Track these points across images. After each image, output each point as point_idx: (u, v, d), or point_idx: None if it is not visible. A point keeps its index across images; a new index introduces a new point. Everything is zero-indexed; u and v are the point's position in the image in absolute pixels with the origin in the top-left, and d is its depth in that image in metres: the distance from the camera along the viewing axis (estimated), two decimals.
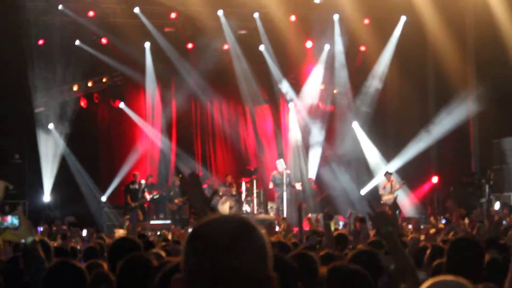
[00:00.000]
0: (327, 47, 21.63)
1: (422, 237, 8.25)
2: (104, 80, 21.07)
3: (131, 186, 19.35)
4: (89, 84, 20.74)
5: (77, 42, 20.05)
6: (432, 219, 16.74)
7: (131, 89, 21.64)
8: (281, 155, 21.00)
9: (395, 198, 16.79)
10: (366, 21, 21.05)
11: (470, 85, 20.52)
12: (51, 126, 19.86)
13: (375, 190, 20.87)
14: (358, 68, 22.04)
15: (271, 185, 19.11)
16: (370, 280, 3.34)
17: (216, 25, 20.58)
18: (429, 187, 21.24)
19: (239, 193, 19.75)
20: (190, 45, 21.17)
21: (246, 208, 19.55)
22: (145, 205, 19.53)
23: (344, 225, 14.58)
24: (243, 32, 21.43)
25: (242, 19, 21.03)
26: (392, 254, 3.50)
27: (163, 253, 5.18)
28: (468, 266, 3.84)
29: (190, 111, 21.95)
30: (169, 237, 11.48)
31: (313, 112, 21.99)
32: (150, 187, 19.86)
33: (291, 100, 22.05)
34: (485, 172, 19.57)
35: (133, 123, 21.32)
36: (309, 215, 16.94)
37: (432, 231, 8.50)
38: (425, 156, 21.15)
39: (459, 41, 20.09)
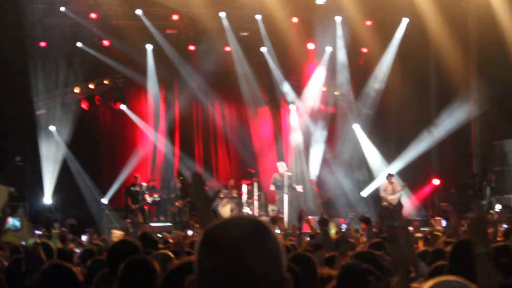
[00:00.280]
0: (328, 49, 21.64)
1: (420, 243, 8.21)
2: (105, 82, 21.05)
3: (132, 189, 19.35)
4: (91, 86, 20.72)
5: (79, 44, 20.07)
6: (432, 221, 16.72)
7: (133, 91, 21.64)
8: (282, 157, 20.98)
9: (399, 198, 16.82)
10: (368, 22, 21.06)
11: (472, 87, 20.52)
12: (52, 128, 19.87)
13: (376, 192, 20.86)
14: (360, 70, 22.03)
15: (272, 188, 19.07)
16: (381, 280, 3.35)
17: (218, 27, 20.60)
18: (430, 189, 21.23)
19: (239, 195, 19.74)
20: (192, 47, 21.19)
21: (246, 210, 19.53)
22: (146, 208, 19.53)
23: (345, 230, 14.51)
24: (245, 34, 21.44)
25: (244, 21, 21.05)
26: (391, 244, 3.59)
27: (171, 254, 5.17)
28: (471, 268, 3.82)
29: (192, 113, 21.95)
30: (170, 240, 11.44)
31: (315, 114, 21.98)
32: (151, 189, 19.86)
33: (293, 102, 22.04)
34: (486, 174, 19.57)
35: (134, 125, 21.32)
36: (310, 217, 16.90)
37: (437, 233, 8.48)
38: (426, 158, 21.15)
39: (461, 43, 20.09)
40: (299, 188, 19.20)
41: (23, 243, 4.22)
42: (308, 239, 8.10)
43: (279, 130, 22.40)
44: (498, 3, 19.35)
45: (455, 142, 21.03)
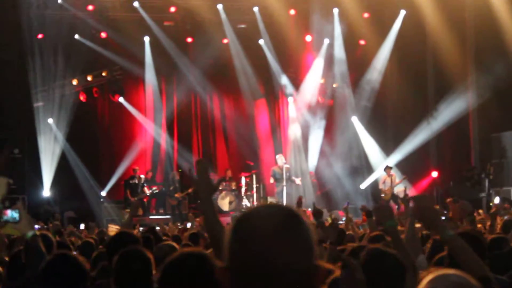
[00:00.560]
0: (326, 41, 21.60)
1: None
2: (103, 74, 21.03)
3: (130, 181, 19.37)
4: (89, 78, 20.70)
5: (77, 36, 20.03)
6: None
7: (131, 84, 21.61)
8: (280, 150, 21.00)
9: (405, 190, 16.79)
10: (366, 15, 21.04)
11: (470, 79, 20.50)
12: (50, 120, 19.85)
13: (374, 184, 20.89)
14: (358, 62, 22.01)
15: (271, 180, 19.08)
16: (405, 267, 3.33)
17: (215, 19, 20.56)
18: (428, 182, 21.24)
19: (238, 187, 19.77)
20: (189, 39, 21.17)
21: (245, 203, 19.56)
22: (145, 200, 19.54)
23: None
24: (242, 26, 21.41)
25: (242, 13, 21.01)
26: (395, 248, 3.55)
27: (176, 245, 5.18)
28: None
29: (190, 105, 21.93)
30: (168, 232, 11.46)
31: (313, 106, 21.97)
32: (150, 182, 19.87)
33: (291, 94, 22.03)
34: (484, 166, 19.58)
35: (132, 117, 21.31)
36: (308, 209, 16.92)
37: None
38: (424, 151, 21.16)
39: (458, 35, 20.07)
40: (298, 181, 19.23)
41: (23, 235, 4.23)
42: None
43: (277, 123, 22.40)
44: None
45: (453, 134, 21.03)
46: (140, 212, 19.04)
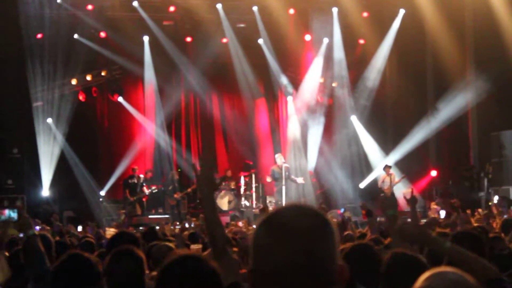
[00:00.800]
0: (326, 40, 21.60)
1: None
2: (102, 73, 21.03)
3: (129, 181, 19.34)
4: (88, 77, 20.68)
5: (76, 36, 20.00)
6: (430, 212, 16.74)
7: (130, 83, 21.61)
8: (279, 149, 20.99)
9: (412, 191, 16.76)
10: (365, 14, 21.03)
11: (469, 77, 20.49)
12: (49, 120, 19.82)
13: (374, 183, 20.87)
14: (357, 61, 22.01)
15: (268, 179, 19.02)
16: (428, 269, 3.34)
17: (215, 18, 20.55)
18: (428, 181, 21.24)
19: (237, 187, 19.75)
20: (189, 39, 21.15)
21: (244, 202, 19.55)
22: (144, 200, 19.53)
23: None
24: (241, 25, 21.40)
25: (241, 12, 21.00)
26: (391, 235, 3.60)
27: (172, 245, 5.18)
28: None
29: (189, 105, 21.93)
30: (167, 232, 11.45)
31: (312, 105, 21.96)
32: (149, 181, 19.85)
33: (290, 93, 22.03)
34: (483, 165, 19.57)
35: (131, 117, 21.30)
36: None
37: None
38: (424, 150, 21.16)
39: (457, 34, 20.06)
40: (300, 180, 19.16)
41: (21, 235, 4.23)
42: None
43: (277, 122, 22.39)
44: None
45: (452, 133, 21.02)
46: (139, 211, 19.06)
